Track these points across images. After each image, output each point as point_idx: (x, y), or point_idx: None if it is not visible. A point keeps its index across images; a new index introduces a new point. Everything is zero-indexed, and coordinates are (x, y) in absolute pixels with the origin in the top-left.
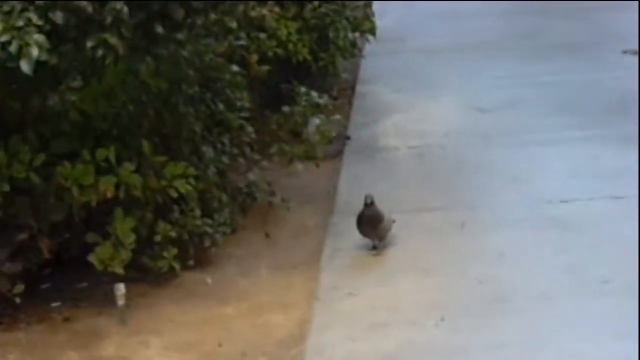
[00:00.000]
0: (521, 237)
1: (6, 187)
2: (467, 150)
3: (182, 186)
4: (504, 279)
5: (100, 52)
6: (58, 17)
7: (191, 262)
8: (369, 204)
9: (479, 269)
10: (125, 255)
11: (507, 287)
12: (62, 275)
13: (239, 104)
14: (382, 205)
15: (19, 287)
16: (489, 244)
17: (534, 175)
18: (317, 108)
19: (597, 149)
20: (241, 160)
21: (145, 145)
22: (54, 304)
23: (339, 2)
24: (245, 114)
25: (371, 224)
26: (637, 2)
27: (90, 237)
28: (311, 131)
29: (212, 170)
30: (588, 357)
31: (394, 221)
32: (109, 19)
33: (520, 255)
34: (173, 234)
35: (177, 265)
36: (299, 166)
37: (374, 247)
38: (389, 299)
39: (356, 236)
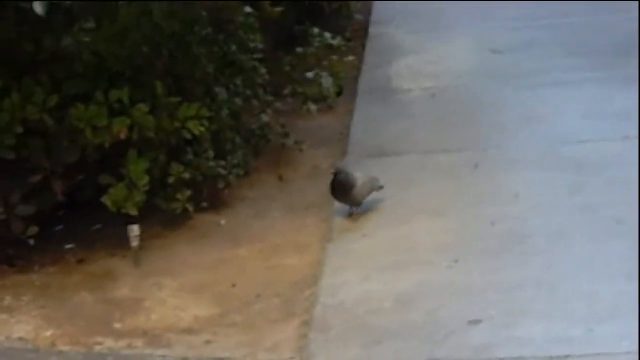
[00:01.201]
0: (534, 178)
1: (19, 129)
2: (481, 92)
3: (196, 127)
4: (517, 219)
5: None
6: None
7: (204, 204)
8: (338, 173)
9: (492, 210)
10: (139, 196)
11: (521, 227)
12: (76, 217)
13: (252, 45)
14: (396, 146)
15: (33, 229)
16: (502, 185)
17: (547, 116)
18: (330, 49)
19: (609, 90)
20: (254, 101)
21: (159, 87)
22: (68, 246)
23: None
24: (258, 55)
25: (343, 190)
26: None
27: (104, 179)
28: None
29: (225, 111)
30: (602, 297)
31: (380, 187)
32: None
33: (533, 196)
34: (186, 175)
35: (190, 207)
36: (312, 107)
37: (350, 214)
38: (403, 240)
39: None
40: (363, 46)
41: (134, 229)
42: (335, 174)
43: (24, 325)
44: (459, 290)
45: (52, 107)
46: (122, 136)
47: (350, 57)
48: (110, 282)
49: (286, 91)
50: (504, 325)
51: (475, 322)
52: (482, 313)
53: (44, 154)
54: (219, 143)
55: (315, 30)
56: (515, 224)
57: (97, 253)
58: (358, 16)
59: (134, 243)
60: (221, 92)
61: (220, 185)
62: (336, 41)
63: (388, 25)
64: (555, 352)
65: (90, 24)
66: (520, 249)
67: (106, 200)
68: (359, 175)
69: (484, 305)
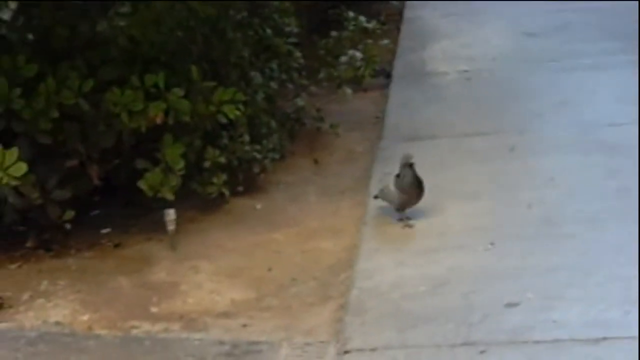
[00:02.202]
0: (570, 161)
1: (55, 114)
2: (516, 75)
3: (231, 112)
4: (553, 203)
5: None
6: None
7: (240, 188)
8: (410, 165)
9: (528, 193)
10: (175, 181)
11: (556, 211)
12: (112, 202)
13: (287, 29)
14: (431, 130)
15: (69, 214)
16: (538, 168)
17: (583, 99)
18: (365, 33)
19: None
20: (289, 85)
21: (194, 71)
22: (104, 231)
23: None
24: (293, 40)
25: (418, 187)
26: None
27: (140, 164)
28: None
29: (260, 95)
30: (637, 281)
31: None
32: None
33: (569, 179)
34: (222, 159)
35: (226, 191)
36: (348, 91)
37: (407, 218)
38: (438, 224)
39: None
40: (398, 30)
41: (170, 213)
42: (410, 165)
43: (60, 310)
44: (495, 273)
45: (87, 92)
46: (158, 121)
47: (386, 41)
48: (146, 266)
49: (321, 75)
50: (540, 308)
51: (512, 305)
52: (518, 296)
53: (79, 139)
54: (254, 127)
55: (350, 13)
56: (551, 207)
57: (133, 237)
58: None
59: (170, 227)
60: (256, 77)
61: (256, 169)
62: (371, 25)
63: (423, 8)
64: (592, 335)
65: (126, 9)
66: (556, 233)
67: (142, 184)
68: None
69: (520, 288)
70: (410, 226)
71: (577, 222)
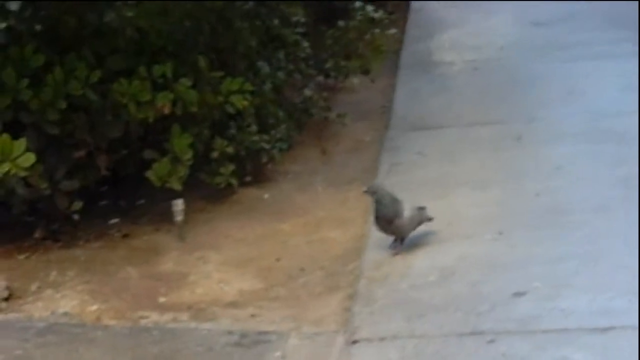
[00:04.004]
0: (577, 150)
1: (63, 104)
2: (523, 64)
3: (239, 102)
4: (560, 191)
5: None
6: None
7: (248, 178)
8: (369, 193)
9: (535, 182)
10: (183, 171)
11: (564, 200)
12: (120, 192)
13: (294, 19)
14: (439, 119)
15: (77, 205)
16: (545, 157)
17: (590, 88)
18: (372, 23)
19: None
20: (297, 75)
21: (202, 61)
22: (112, 221)
23: None
24: (300, 29)
25: (384, 218)
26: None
27: (148, 154)
28: None
29: (268, 85)
30: None
31: (430, 219)
32: None
33: (576, 168)
34: (230, 150)
35: (234, 182)
36: (355, 81)
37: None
38: (446, 214)
39: (411, 151)
40: (405, 19)
41: (179, 204)
42: (371, 195)
43: (69, 300)
44: (503, 262)
45: (95, 83)
46: (166, 111)
47: (393, 31)
48: (155, 256)
49: (329, 65)
50: (548, 297)
51: (520, 294)
52: (526, 285)
53: (87, 130)
54: (262, 117)
55: (358, 3)
56: (558, 196)
57: (142, 228)
58: None
59: (178, 217)
60: (264, 67)
61: (264, 159)
62: (378, 14)
63: None
64: (600, 323)
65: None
66: (563, 221)
67: (151, 175)
68: (405, 205)
69: (528, 277)
70: (396, 253)
71: (584, 211)
